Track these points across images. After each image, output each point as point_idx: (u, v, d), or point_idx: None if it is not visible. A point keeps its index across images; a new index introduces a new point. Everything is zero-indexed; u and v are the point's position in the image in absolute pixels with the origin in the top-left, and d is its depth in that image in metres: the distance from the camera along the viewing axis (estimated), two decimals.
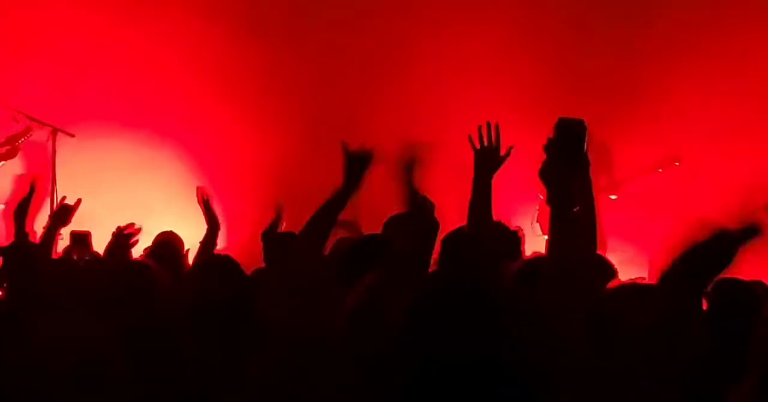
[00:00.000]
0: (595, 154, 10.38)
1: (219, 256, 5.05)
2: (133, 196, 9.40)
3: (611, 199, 9.94)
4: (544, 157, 3.26)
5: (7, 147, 9.10)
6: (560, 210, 3.20)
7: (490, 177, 3.90)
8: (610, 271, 4.01)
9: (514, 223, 5.67)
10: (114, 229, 5.18)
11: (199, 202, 5.55)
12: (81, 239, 5.90)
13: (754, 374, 2.86)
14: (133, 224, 5.13)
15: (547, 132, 3.67)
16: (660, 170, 10.17)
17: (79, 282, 4.42)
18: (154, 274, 4.22)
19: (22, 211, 4.65)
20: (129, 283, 4.11)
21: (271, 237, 5.24)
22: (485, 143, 3.92)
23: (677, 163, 10.17)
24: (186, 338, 3.76)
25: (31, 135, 9.11)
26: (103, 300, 4.03)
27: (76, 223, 5.26)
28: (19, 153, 9.18)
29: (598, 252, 3.73)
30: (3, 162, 9.12)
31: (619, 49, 10.48)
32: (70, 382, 3.50)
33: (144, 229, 6.24)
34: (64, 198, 5.15)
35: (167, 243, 5.95)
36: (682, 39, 10.24)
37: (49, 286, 4.33)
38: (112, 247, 5.07)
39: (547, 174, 3.21)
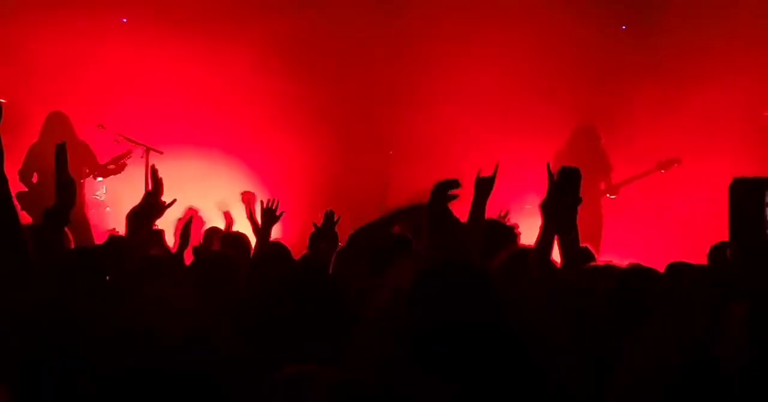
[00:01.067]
0: (598, 158, 9.85)
1: (275, 243, 5.27)
2: (205, 198, 9.50)
3: (611, 198, 9.61)
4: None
5: (113, 165, 9.27)
6: (552, 233, 3.37)
7: (486, 199, 4.01)
8: (590, 257, 4.21)
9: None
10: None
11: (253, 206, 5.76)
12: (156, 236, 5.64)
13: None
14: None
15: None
16: (662, 172, 9.58)
17: (173, 267, 4.60)
18: (236, 259, 4.52)
19: (134, 217, 4.49)
20: (218, 266, 4.35)
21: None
22: (482, 175, 4.01)
23: (677, 164, 9.57)
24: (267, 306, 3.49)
25: (131, 155, 9.40)
26: (201, 279, 4.21)
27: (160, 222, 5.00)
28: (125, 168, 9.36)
29: (587, 244, 3.98)
30: (113, 175, 9.35)
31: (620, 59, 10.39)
32: (177, 346, 3.31)
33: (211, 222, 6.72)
34: (174, 201, 4.89)
35: (238, 236, 6.09)
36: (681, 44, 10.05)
37: (140, 272, 4.29)
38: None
39: (547, 208, 3.37)
